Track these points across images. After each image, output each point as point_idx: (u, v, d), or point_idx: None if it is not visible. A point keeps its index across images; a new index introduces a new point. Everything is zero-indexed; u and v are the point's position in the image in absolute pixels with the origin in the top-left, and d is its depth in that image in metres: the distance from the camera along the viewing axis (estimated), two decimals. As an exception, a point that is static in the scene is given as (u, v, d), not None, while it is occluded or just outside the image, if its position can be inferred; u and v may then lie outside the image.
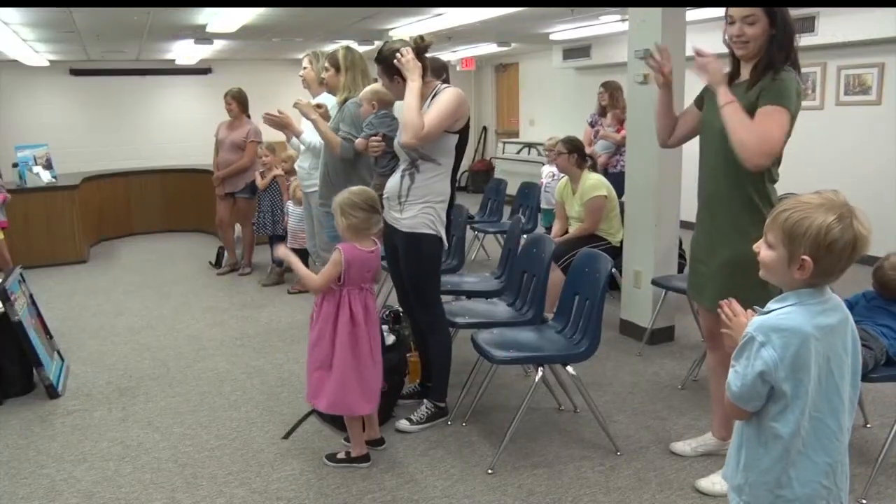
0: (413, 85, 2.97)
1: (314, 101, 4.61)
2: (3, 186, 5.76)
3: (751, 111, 2.44)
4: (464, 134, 3.15)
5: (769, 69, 2.45)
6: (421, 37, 3.09)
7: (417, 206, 3.10)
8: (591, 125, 6.30)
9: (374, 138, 3.49)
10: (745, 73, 2.55)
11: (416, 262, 3.19)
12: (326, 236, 4.05)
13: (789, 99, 2.41)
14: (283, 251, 3.04)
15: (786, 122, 2.41)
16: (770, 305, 1.55)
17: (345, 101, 4.16)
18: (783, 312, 1.52)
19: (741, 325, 1.62)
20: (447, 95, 3.04)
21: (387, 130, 3.47)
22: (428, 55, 3.18)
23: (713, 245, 2.67)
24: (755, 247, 1.59)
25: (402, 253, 3.21)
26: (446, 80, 4.09)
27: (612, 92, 6.13)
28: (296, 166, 5.00)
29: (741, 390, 1.54)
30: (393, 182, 3.20)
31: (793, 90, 2.43)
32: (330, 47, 4.41)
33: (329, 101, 4.31)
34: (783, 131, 2.41)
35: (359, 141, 3.66)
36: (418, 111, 2.95)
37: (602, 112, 6.22)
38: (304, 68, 4.64)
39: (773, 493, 1.58)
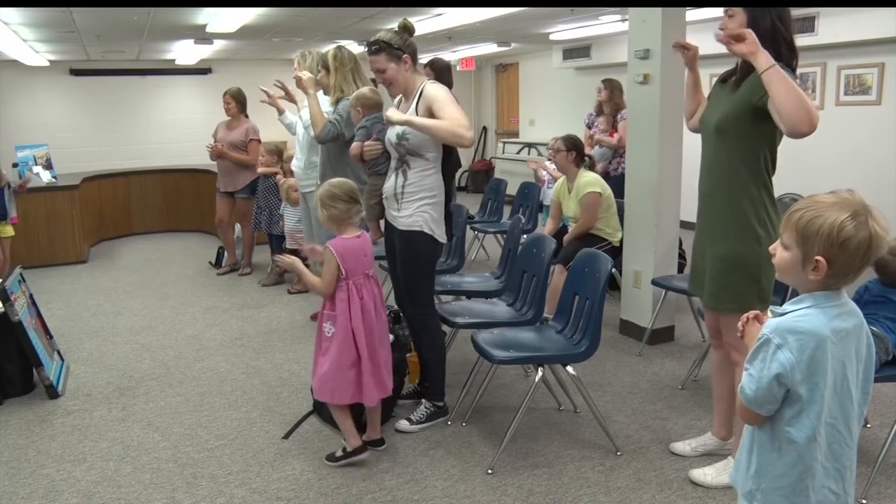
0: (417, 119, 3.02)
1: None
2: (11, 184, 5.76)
3: (736, 108, 2.50)
4: None
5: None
6: (407, 21, 3.18)
7: (414, 205, 3.14)
8: (589, 126, 6.20)
9: (368, 143, 3.54)
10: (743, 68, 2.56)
11: (410, 259, 3.22)
12: (325, 235, 4.08)
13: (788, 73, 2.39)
14: (288, 260, 3.01)
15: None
16: (786, 307, 1.53)
17: (337, 101, 4.21)
18: (800, 314, 1.49)
19: (755, 330, 1.59)
20: (438, 91, 3.07)
21: (377, 133, 3.52)
22: (430, 55, 3.21)
23: (711, 240, 2.68)
24: (771, 248, 1.56)
25: (398, 250, 3.25)
26: (450, 81, 4.11)
27: (611, 90, 5.99)
28: (292, 166, 5.01)
29: (756, 394, 1.50)
30: (389, 182, 3.25)
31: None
32: (328, 47, 4.45)
33: (324, 101, 4.39)
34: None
35: (354, 145, 3.69)
36: (443, 124, 2.99)
37: (599, 110, 6.09)
38: (295, 69, 4.71)
39: (788, 500, 1.55)
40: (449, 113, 3.00)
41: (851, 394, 1.53)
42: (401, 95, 3.24)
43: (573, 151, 4.77)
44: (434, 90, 3.08)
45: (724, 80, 2.67)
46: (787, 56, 2.45)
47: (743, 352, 2.56)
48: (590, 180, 4.73)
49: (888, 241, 1.46)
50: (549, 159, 6.01)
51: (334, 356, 2.88)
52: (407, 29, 3.15)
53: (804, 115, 2.25)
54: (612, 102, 5.97)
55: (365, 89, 3.75)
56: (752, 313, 1.67)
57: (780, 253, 1.53)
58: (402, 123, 3.03)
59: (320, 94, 4.55)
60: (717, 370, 2.94)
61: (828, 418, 1.51)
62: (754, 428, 1.60)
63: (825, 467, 1.54)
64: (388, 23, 7.16)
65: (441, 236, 3.21)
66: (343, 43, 8.66)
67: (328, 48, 4.37)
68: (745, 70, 2.50)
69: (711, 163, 2.63)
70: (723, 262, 2.62)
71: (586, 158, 4.92)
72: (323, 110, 4.35)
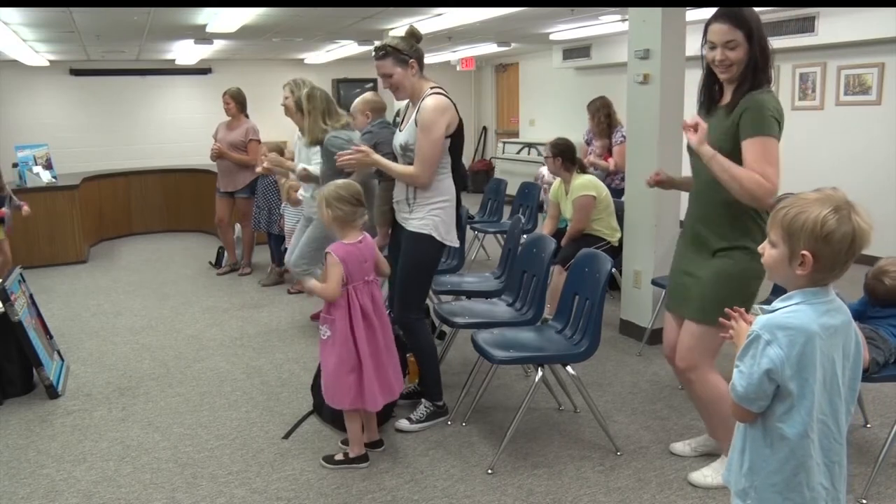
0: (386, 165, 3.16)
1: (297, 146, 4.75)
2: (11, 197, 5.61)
3: (732, 133, 2.44)
4: (457, 134, 3.18)
5: (750, 91, 2.43)
6: (414, 28, 3.19)
7: (426, 209, 3.15)
8: (588, 143, 6.10)
9: (343, 153, 3.38)
10: (728, 95, 2.53)
11: (410, 261, 3.23)
12: (308, 248, 4.18)
13: (770, 125, 2.39)
14: (311, 284, 2.94)
15: (775, 149, 2.40)
16: (775, 304, 1.55)
17: (313, 142, 4.21)
18: (789, 311, 1.51)
19: (743, 329, 1.61)
20: (431, 116, 3.04)
21: (383, 138, 3.52)
22: (430, 56, 3.21)
23: (706, 256, 2.61)
24: (760, 248, 1.59)
25: (402, 249, 3.25)
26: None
27: (592, 114, 5.90)
28: (299, 195, 5.05)
29: (747, 390, 1.52)
30: (400, 187, 3.25)
31: (771, 114, 2.40)
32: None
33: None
34: (776, 161, 2.40)
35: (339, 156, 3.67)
36: (403, 169, 3.12)
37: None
38: (286, 98, 4.70)
39: (782, 496, 1.56)
40: (423, 147, 3.04)
41: (840, 390, 1.54)
42: (408, 100, 3.25)
43: (559, 157, 4.75)
44: (429, 112, 3.05)
45: (707, 109, 2.62)
46: (763, 78, 2.45)
47: (692, 363, 2.58)
48: (584, 183, 4.72)
49: (872, 234, 1.47)
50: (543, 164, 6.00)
51: (334, 361, 2.87)
52: (414, 35, 3.17)
53: (752, 192, 2.38)
54: (597, 124, 5.87)
55: (369, 94, 3.76)
56: (738, 310, 1.68)
57: (768, 251, 1.55)
58: (374, 164, 3.16)
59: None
60: (685, 382, 2.82)
61: (818, 414, 1.52)
62: (745, 426, 1.62)
63: (817, 463, 1.55)
64: (389, 23, 7.16)
65: (451, 241, 3.22)
66: (343, 43, 8.68)
67: (306, 90, 4.29)
68: (738, 96, 2.45)
69: (710, 181, 2.53)
70: (720, 277, 2.55)
71: (575, 161, 4.85)
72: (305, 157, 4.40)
